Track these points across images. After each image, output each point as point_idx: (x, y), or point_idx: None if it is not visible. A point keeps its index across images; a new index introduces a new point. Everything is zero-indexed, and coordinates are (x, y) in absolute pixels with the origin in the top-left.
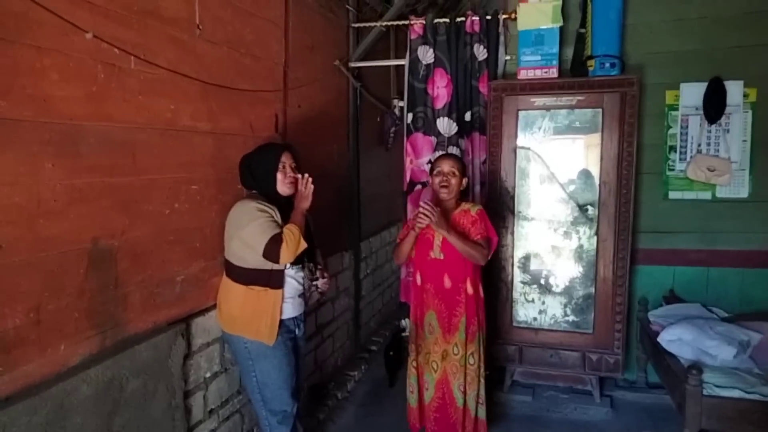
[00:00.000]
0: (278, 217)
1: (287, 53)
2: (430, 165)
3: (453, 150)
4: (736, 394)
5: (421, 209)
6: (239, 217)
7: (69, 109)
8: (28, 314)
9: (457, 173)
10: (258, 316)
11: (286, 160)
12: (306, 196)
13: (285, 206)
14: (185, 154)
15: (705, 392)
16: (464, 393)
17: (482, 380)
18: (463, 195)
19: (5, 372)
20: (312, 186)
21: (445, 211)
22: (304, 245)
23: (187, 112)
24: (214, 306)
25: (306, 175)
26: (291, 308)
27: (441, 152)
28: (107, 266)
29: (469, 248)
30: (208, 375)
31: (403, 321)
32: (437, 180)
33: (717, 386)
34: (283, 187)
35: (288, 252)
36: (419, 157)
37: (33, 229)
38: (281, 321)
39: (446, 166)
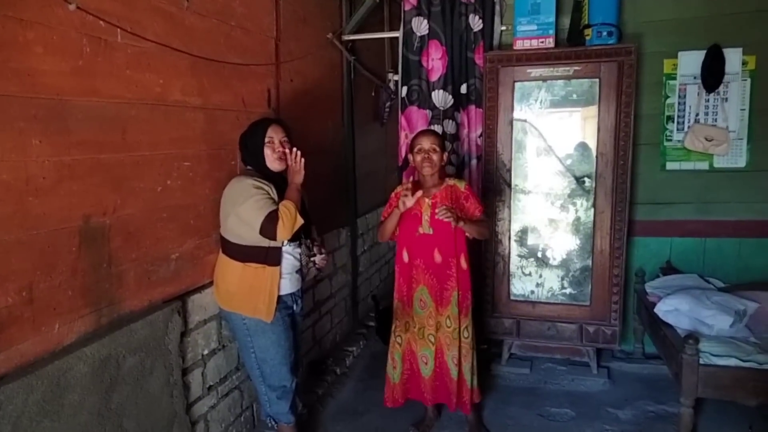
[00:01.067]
0: (274, 194)
1: (279, 26)
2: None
3: (448, 124)
4: (732, 362)
5: (403, 193)
6: (235, 194)
7: (55, 84)
8: (20, 293)
9: (437, 149)
10: (255, 293)
11: (273, 134)
12: (297, 171)
13: (281, 183)
14: (176, 129)
15: (701, 361)
16: (458, 365)
17: (474, 352)
18: (459, 172)
19: (0, 351)
20: (302, 159)
21: (428, 188)
22: (300, 221)
23: (177, 87)
24: (210, 283)
25: (294, 149)
26: (288, 284)
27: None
28: (100, 244)
29: (481, 228)
30: (206, 352)
31: None
32: (419, 158)
33: (713, 355)
34: (272, 163)
35: (285, 229)
36: (414, 131)
37: (22, 207)
38: (279, 297)
39: (426, 143)
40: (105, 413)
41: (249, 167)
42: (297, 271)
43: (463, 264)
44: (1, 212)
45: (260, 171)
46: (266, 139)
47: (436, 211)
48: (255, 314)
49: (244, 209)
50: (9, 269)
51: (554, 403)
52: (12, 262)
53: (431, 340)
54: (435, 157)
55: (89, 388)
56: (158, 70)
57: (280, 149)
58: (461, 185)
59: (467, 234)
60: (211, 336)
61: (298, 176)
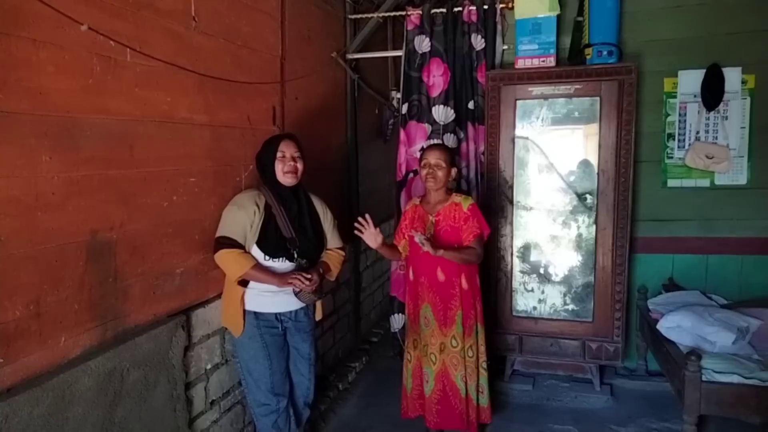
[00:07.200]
0: (256, 219)
1: (284, 45)
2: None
3: (449, 138)
4: (735, 379)
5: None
6: (228, 205)
7: (65, 102)
8: (28, 306)
9: (443, 165)
10: (228, 305)
11: (285, 149)
12: (288, 284)
13: (291, 198)
14: (183, 146)
15: (704, 378)
16: (466, 383)
17: (482, 370)
18: (459, 186)
19: (6, 363)
20: (307, 285)
21: (432, 204)
22: (233, 276)
23: (183, 105)
24: (215, 298)
25: (314, 276)
26: (271, 304)
27: (433, 141)
28: (106, 259)
29: (464, 256)
30: (209, 366)
31: (392, 317)
32: (423, 172)
33: (716, 372)
34: (282, 177)
35: (217, 259)
36: (412, 145)
37: (32, 222)
38: (259, 314)
39: (433, 158)
40: (108, 427)
41: (264, 183)
42: (291, 291)
43: (464, 284)
44: (11, 227)
45: (272, 186)
46: (278, 154)
47: (414, 238)
48: (227, 325)
49: (220, 220)
50: (17, 283)
51: (557, 421)
52: (20, 276)
53: (432, 359)
54: (440, 173)
55: (93, 402)
56: (166, 88)
57: (291, 164)
58: (465, 204)
59: (452, 261)
60: (215, 350)
61: (284, 286)
